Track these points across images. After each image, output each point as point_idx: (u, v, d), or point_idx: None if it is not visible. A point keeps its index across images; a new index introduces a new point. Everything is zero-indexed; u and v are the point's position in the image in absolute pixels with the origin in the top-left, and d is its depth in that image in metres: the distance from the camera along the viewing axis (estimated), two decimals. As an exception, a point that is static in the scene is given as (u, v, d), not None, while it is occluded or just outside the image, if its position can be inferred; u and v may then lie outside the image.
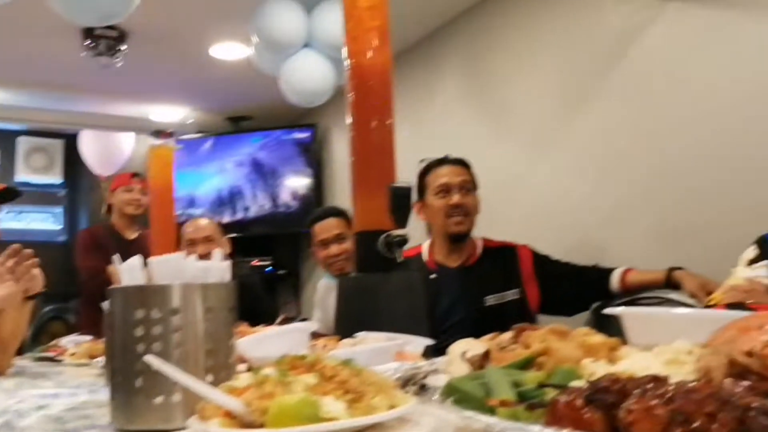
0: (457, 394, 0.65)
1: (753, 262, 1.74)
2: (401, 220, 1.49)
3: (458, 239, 2.46)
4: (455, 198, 2.41)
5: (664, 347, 0.63)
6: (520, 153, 3.26)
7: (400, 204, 1.50)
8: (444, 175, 2.46)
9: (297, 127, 5.13)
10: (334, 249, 2.90)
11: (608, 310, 0.87)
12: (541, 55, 3.14)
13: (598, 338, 0.71)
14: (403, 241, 1.49)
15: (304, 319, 3.46)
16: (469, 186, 2.47)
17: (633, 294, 2.34)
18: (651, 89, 2.62)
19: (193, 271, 0.86)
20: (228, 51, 4.09)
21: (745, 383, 0.47)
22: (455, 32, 3.68)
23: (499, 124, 3.39)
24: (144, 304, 0.83)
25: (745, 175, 2.28)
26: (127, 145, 5.37)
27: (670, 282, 2.22)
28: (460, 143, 3.45)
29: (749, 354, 0.48)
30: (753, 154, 2.25)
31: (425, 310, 1.60)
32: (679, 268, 2.23)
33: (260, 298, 3.27)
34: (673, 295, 2.23)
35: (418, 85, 3.90)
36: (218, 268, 0.88)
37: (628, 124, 2.72)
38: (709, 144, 2.40)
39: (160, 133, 2.75)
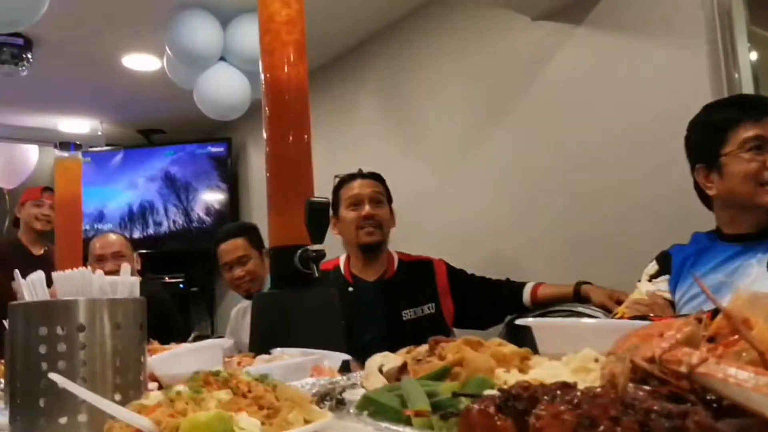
0: (373, 407, 0.65)
1: (654, 277, 1.83)
2: (318, 235, 1.49)
3: (370, 250, 2.47)
4: (366, 209, 2.43)
5: (572, 356, 0.65)
6: (434, 169, 3.31)
7: (316, 219, 1.49)
8: (355, 188, 2.48)
9: (211, 141, 5.04)
10: (238, 271, 2.88)
11: (520, 321, 0.89)
12: (454, 75, 3.22)
13: (510, 348, 0.72)
14: (320, 256, 1.49)
15: (218, 337, 3.38)
16: (381, 198, 2.49)
17: (544, 307, 2.41)
18: (559, 110, 2.73)
19: (99, 287, 0.82)
20: (141, 62, 3.98)
21: (647, 388, 0.49)
22: (372, 50, 3.71)
23: (414, 141, 3.44)
24: (47, 321, 0.79)
25: (648, 193, 2.39)
26: (33, 157, 5.14)
27: (579, 295, 2.31)
28: (377, 159, 3.48)
29: (650, 360, 0.50)
30: (655, 174, 2.36)
31: (342, 325, 1.59)
32: (587, 283, 2.31)
33: (172, 316, 3.19)
34: (581, 308, 2.32)
35: (335, 101, 3.91)
36: (127, 283, 0.85)
37: (537, 143, 2.82)
38: (614, 163, 2.51)
39: (67, 144, 2.64)
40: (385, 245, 2.51)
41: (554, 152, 2.73)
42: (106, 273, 2.50)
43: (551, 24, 2.74)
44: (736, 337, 0.48)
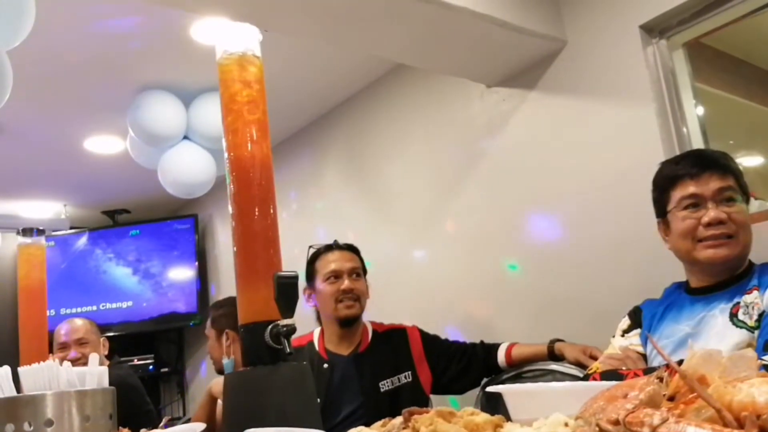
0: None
1: (626, 331, 1.86)
2: (288, 310, 1.48)
3: (348, 323, 2.46)
4: (346, 283, 2.43)
5: (542, 421, 0.66)
6: (402, 235, 3.34)
7: (286, 293, 1.49)
8: (334, 261, 2.49)
9: (177, 218, 5.02)
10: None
11: (491, 389, 0.90)
12: (416, 142, 3.29)
13: (482, 417, 0.73)
14: (291, 330, 1.48)
15: (189, 420, 3.31)
16: (359, 271, 2.50)
17: (519, 367, 2.42)
18: (519, 172, 2.79)
19: (67, 379, 0.81)
20: (103, 144, 3.98)
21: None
22: (335, 121, 3.78)
23: (380, 208, 3.48)
24: (14, 417, 0.78)
25: (613, 250, 2.43)
26: (-7, 243, 5.06)
27: (553, 354, 2.32)
28: (345, 228, 3.51)
29: (615, 423, 0.51)
30: (619, 231, 2.41)
31: (316, 401, 1.57)
32: (560, 340, 2.33)
33: (142, 401, 3.11)
34: (555, 366, 2.33)
35: (301, 172, 3.95)
36: (95, 373, 0.84)
37: (500, 205, 2.86)
38: (577, 222, 2.56)
39: (30, 230, 2.62)
40: (361, 318, 2.51)
41: (518, 213, 2.78)
42: (70, 361, 2.47)
43: (506, 90, 2.83)
44: (695, 394, 0.49)
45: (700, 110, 2.41)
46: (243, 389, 1.55)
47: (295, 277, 1.55)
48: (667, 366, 0.60)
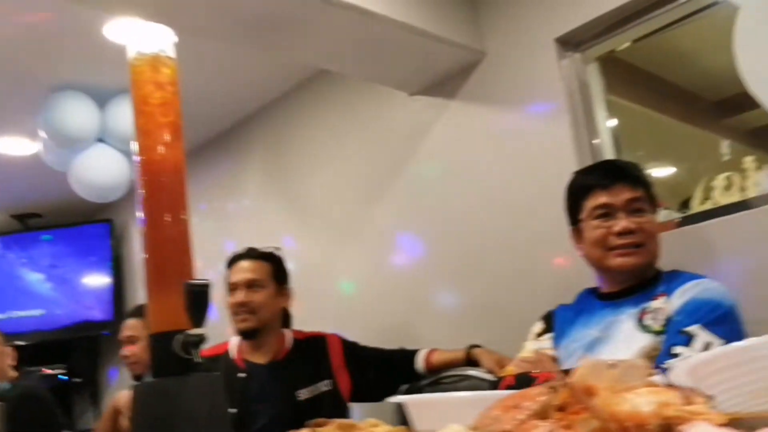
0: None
1: (540, 335, 1.90)
2: (198, 319, 1.44)
3: (248, 336, 2.41)
4: (237, 296, 2.38)
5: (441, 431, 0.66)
6: (323, 242, 3.32)
7: (196, 301, 1.45)
8: (235, 272, 2.44)
9: (92, 222, 4.83)
10: (125, 351, 2.85)
11: (393, 399, 0.89)
12: (337, 149, 3.28)
13: (383, 428, 0.72)
14: (201, 340, 1.43)
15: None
16: (260, 282, 2.41)
17: (437, 373, 2.43)
18: (439, 180, 2.82)
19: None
20: (13, 145, 3.80)
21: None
22: (255, 126, 3.73)
23: (301, 215, 3.45)
24: None
25: (528, 257, 2.49)
26: None
27: (470, 359, 2.34)
28: (266, 235, 3.45)
29: (507, 433, 0.51)
30: (535, 238, 2.46)
31: (229, 412, 1.53)
32: (478, 346, 2.35)
33: (50, 413, 2.98)
34: (472, 372, 2.35)
35: (220, 177, 3.88)
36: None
37: (420, 213, 2.89)
38: (494, 229, 2.60)
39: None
40: (269, 329, 2.43)
41: (437, 222, 2.81)
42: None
43: (427, 98, 2.86)
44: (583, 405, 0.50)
45: (613, 122, 2.49)
46: (151, 400, 1.50)
47: (206, 286, 1.51)
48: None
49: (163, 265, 1.56)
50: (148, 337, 2.87)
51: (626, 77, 2.80)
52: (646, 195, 1.77)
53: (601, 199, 1.76)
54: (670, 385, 0.55)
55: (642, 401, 0.48)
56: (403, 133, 2.96)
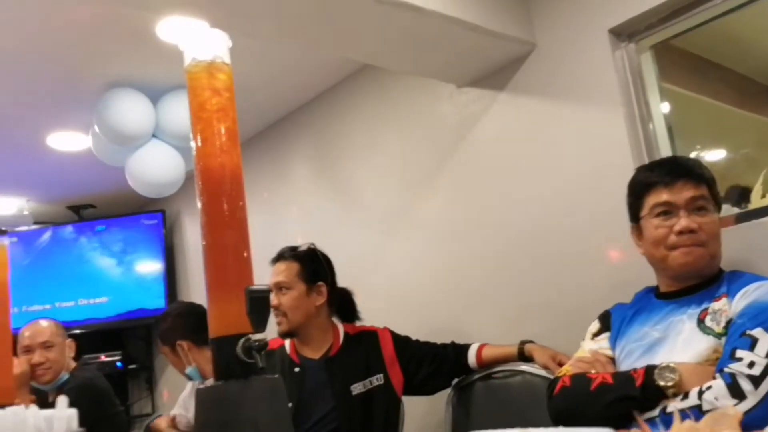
0: None
1: (596, 335, 1.88)
2: (259, 324, 1.46)
3: (285, 337, 2.48)
4: (273, 300, 2.43)
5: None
6: (372, 233, 3.33)
7: (257, 307, 1.47)
8: (272, 275, 2.49)
9: (144, 212, 4.94)
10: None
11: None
12: (385, 140, 3.27)
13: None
14: (263, 345, 1.46)
15: (159, 415, 3.29)
16: (286, 284, 2.44)
17: (489, 368, 2.43)
18: (487, 173, 2.79)
19: (34, 425, 0.79)
20: (67, 140, 3.89)
21: None
22: (305, 117, 3.75)
23: (350, 206, 3.46)
24: (-20, 463, 0.76)
25: (583, 252, 2.45)
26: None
27: (523, 355, 2.33)
28: (314, 226, 3.49)
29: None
30: (589, 233, 2.43)
31: (289, 413, 1.56)
32: (531, 341, 2.35)
33: (110, 404, 3.07)
34: (525, 367, 2.35)
35: (269, 169, 3.91)
36: (63, 417, 0.81)
37: (468, 206, 2.87)
38: (546, 224, 2.57)
39: (-10, 230, 2.56)
40: (308, 326, 2.46)
41: (486, 214, 2.79)
42: (34, 364, 2.41)
43: (476, 90, 2.83)
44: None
45: (666, 107, 2.43)
46: (214, 404, 1.53)
47: (267, 291, 1.53)
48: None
49: (224, 272, 1.59)
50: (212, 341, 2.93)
51: (681, 64, 2.73)
52: (709, 193, 1.73)
53: (662, 196, 1.72)
54: None
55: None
56: (451, 125, 2.94)
